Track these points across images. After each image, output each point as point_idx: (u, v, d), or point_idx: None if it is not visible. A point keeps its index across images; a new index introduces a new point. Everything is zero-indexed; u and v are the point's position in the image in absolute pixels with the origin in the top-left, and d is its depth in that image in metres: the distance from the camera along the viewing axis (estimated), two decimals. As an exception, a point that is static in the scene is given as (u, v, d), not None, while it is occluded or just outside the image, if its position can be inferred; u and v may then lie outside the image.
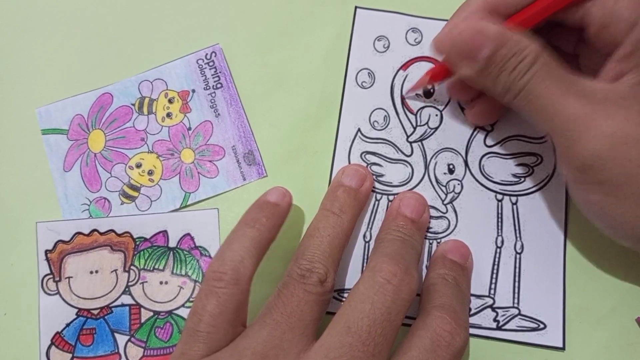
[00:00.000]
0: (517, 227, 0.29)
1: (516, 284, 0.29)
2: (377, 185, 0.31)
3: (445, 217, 0.30)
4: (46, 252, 0.31)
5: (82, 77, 0.33)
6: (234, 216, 0.31)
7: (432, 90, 0.31)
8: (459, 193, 0.30)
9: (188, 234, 0.31)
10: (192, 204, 0.32)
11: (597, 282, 0.29)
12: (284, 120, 0.32)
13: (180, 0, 0.34)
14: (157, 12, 0.34)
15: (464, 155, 0.31)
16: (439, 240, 0.30)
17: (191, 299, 0.31)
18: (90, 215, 0.32)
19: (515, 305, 0.29)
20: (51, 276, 0.31)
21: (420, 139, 0.31)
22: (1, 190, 0.32)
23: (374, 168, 0.31)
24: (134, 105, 0.33)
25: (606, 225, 0.25)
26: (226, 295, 0.24)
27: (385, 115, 0.31)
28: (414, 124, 0.31)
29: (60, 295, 0.31)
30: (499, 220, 0.30)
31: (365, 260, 0.30)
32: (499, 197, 0.30)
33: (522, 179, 0.30)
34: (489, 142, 0.31)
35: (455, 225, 0.30)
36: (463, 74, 0.26)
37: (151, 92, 0.33)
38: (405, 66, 0.32)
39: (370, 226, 0.30)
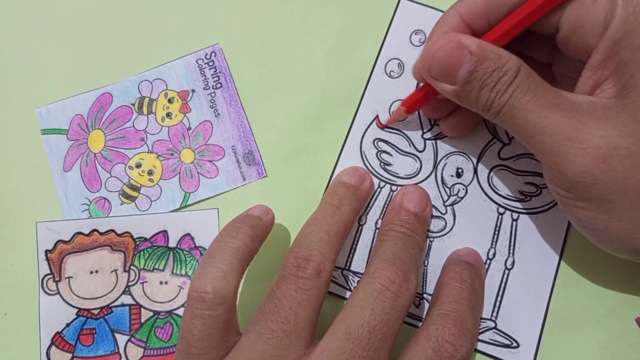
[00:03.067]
0: (512, 243, 0.29)
1: (498, 298, 0.29)
2: (383, 173, 0.31)
3: (443, 217, 0.30)
4: (46, 252, 0.31)
5: (81, 77, 0.33)
6: (234, 216, 0.31)
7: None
8: (462, 198, 0.30)
9: (188, 234, 0.31)
10: (192, 204, 0.32)
11: (597, 283, 0.29)
12: (283, 120, 0.32)
13: (180, 0, 0.34)
14: (157, 12, 0.34)
15: (475, 162, 0.31)
16: (432, 239, 0.30)
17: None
18: (90, 215, 0.32)
19: (493, 318, 0.29)
20: (51, 276, 0.31)
21: (435, 138, 0.31)
22: (1, 190, 0.33)
23: (384, 156, 0.31)
24: (133, 105, 0.33)
25: (601, 240, 0.24)
26: (211, 317, 0.23)
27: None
28: (432, 122, 0.31)
29: (61, 295, 0.31)
30: (496, 233, 0.30)
31: (356, 242, 0.30)
32: (501, 210, 0.30)
33: (529, 198, 0.30)
34: (504, 155, 0.30)
35: (451, 228, 0.30)
36: (444, 92, 0.25)
37: (151, 92, 0.33)
38: None
39: (367, 211, 0.30)
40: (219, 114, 0.32)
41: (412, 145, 0.31)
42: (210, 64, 0.33)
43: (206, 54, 0.33)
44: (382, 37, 0.32)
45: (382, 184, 0.31)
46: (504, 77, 0.23)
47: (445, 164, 0.31)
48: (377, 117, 0.31)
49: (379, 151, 0.31)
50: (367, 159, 0.31)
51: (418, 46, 0.32)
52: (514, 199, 0.30)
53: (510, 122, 0.24)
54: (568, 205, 0.24)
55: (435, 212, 0.30)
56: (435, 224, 0.30)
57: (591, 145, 0.22)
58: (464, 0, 0.26)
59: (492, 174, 0.30)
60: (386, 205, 0.30)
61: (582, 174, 0.22)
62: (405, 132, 0.31)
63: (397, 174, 0.31)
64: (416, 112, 0.31)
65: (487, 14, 0.25)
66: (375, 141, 0.31)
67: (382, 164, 0.31)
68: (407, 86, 0.31)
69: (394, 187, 0.31)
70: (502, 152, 0.30)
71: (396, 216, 0.28)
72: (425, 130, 0.31)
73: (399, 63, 0.32)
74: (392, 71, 0.32)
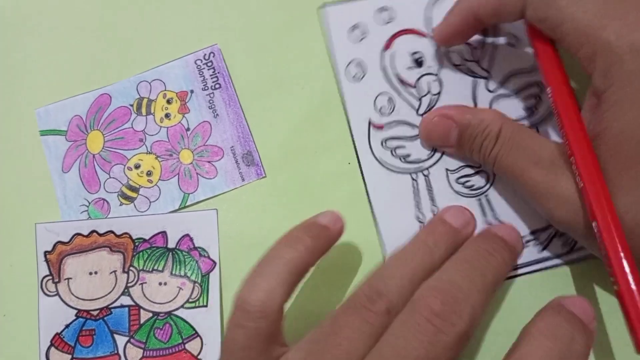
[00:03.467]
0: None
1: None
2: (409, 167, 0.31)
3: (481, 170, 0.30)
4: (45, 253, 0.31)
5: (80, 77, 0.33)
6: (233, 217, 0.31)
7: (421, 59, 0.31)
8: None
9: (187, 235, 0.31)
10: (191, 205, 0.32)
11: (597, 282, 0.29)
12: (282, 120, 0.32)
13: (179, 0, 0.34)
14: (156, 12, 0.34)
15: (473, 107, 0.31)
16: (484, 195, 0.30)
17: (190, 300, 0.31)
18: (89, 217, 0.32)
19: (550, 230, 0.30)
20: (50, 277, 0.31)
21: (429, 108, 0.31)
22: (0, 191, 0.33)
23: (398, 151, 0.31)
24: (132, 106, 0.33)
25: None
26: (253, 329, 0.23)
27: (389, 98, 0.31)
28: (418, 96, 0.31)
29: (60, 297, 0.31)
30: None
31: None
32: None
33: (534, 110, 0.30)
34: (491, 86, 0.31)
35: (493, 179, 0.30)
36: (448, 151, 0.30)
37: (149, 92, 0.33)
38: (387, 45, 0.32)
39: (418, 207, 0.30)
40: (217, 114, 0.32)
41: (415, 127, 0.31)
42: (209, 64, 0.33)
43: (205, 54, 0.33)
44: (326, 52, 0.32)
45: (414, 175, 0.31)
46: (485, 141, 0.27)
47: None
48: (370, 120, 0.31)
49: (392, 150, 0.31)
50: (388, 164, 0.31)
51: (362, 39, 0.32)
52: (525, 117, 0.31)
53: (504, 176, 0.28)
54: None
55: (472, 170, 0.30)
56: (478, 180, 0.30)
57: (566, 199, 0.25)
58: None
59: (493, 107, 0.31)
60: (431, 192, 0.30)
61: (562, 224, 0.26)
62: (402, 119, 0.31)
63: (419, 159, 0.31)
64: (400, 96, 0.31)
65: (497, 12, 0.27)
66: (383, 142, 0.31)
67: (402, 159, 0.31)
68: (378, 83, 0.32)
69: (425, 173, 0.31)
70: (489, 84, 0.31)
71: (486, 240, 0.25)
72: (417, 107, 0.31)
73: (357, 63, 0.32)
74: (356, 73, 0.32)
